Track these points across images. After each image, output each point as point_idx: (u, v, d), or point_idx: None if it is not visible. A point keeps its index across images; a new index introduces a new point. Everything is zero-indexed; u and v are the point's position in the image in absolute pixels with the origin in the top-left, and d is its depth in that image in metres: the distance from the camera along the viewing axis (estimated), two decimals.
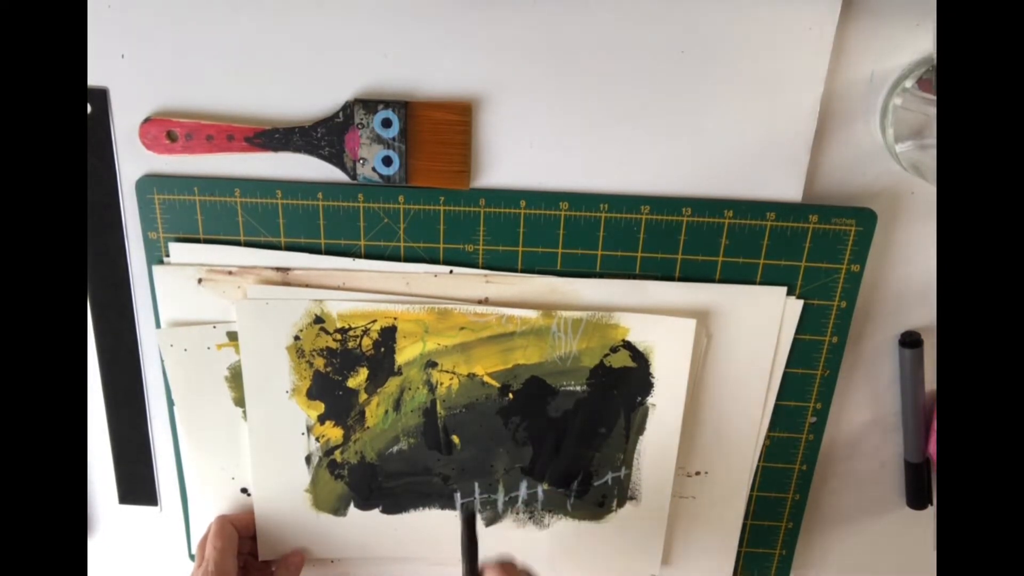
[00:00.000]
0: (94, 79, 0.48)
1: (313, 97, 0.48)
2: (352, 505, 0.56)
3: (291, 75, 0.47)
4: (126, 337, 0.54)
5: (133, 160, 0.49)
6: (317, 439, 0.54)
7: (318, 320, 0.51)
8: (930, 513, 0.57)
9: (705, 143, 0.48)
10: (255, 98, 0.48)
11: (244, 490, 0.56)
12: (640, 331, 0.51)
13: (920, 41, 0.46)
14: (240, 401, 0.54)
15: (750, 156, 0.48)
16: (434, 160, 0.48)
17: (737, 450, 0.55)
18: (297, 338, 0.52)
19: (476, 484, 0.56)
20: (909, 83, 0.45)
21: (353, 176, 0.49)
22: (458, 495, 0.56)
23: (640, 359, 0.52)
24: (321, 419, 0.54)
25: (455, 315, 0.51)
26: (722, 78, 0.46)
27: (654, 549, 0.57)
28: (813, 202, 0.49)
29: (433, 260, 0.51)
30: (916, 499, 0.56)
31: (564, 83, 0.47)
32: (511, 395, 0.53)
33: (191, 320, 0.52)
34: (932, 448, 0.54)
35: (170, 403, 0.54)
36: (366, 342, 0.52)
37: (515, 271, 0.51)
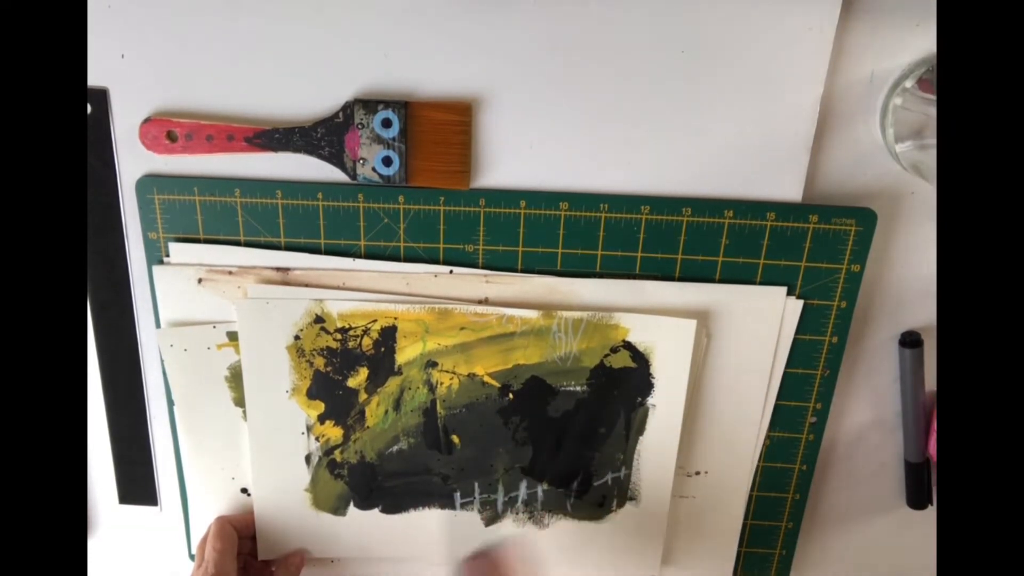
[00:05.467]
0: (94, 79, 0.48)
1: (313, 97, 0.48)
2: (352, 505, 0.56)
3: (291, 75, 0.47)
4: (126, 337, 0.54)
5: (133, 160, 0.49)
6: (317, 439, 0.54)
7: (318, 320, 0.51)
8: (930, 513, 0.57)
9: (705, 143, 0.48)
10: (255, 98, 0.48)
11: (244, 490, 0.56)
12: (640, 331, 0.51)
13: (920, 41, 0.46)
14: (240, 401, 0.54)
15: (750, 156, 0.48)
16: (434, 160, 0.48)
17: (737, 450, 0.55)
18: (297, 337, 0.52)
19: (476, 484, 0.56)
20: (909, 83, 0.45)
21: (353, 176, 0.49)
22: (458, 495, 0.56)
23: (640, 359, 0.52)
24: (321, 419, 0.54)
25: (455, 315, 0.51)
26: (722, 78, 0.46)
27: (654, 549, 0.57)
28: (813, 202, 0.49)
29: (433, 260, 0.51)
30: (916, 499, 0.56)
31: (564, 83, 0.47)
32: (511, 395, 0.53)
33: (191, 320, 0.52)
34: (932, 448, 0.54)
35: (170, 403, 0.54)
36: (366, 342, 0.52)
37: (515, 271, 0.51)
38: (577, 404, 0.53)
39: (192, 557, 0.59)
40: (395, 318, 0.51)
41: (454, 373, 0.53)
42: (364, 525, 0.57)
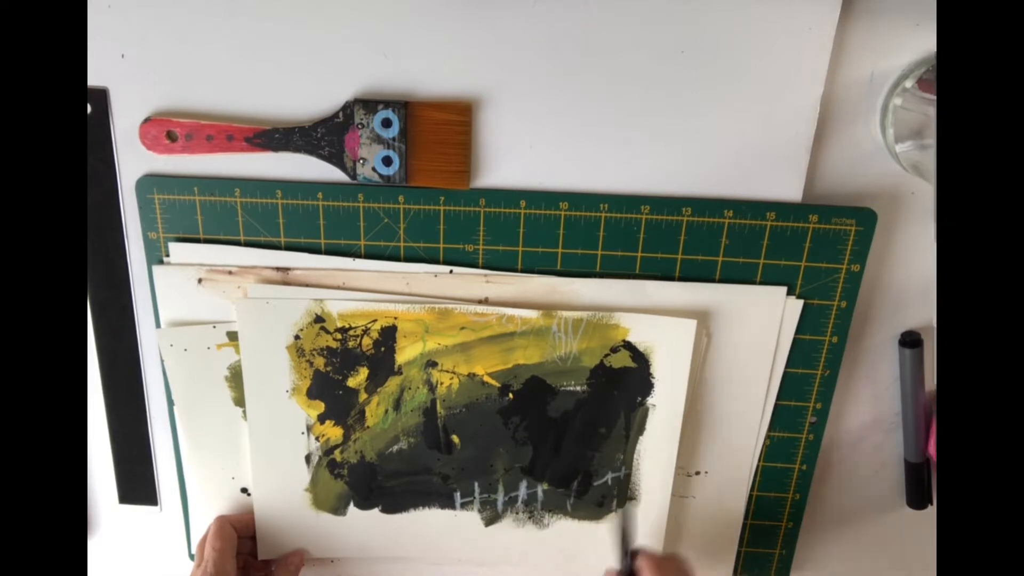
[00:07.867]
0: (94, 79, 0.48)
1: (313, 97, 0.48)
2: (352, 505, 0.56)
3: (291, 75, 0.47)
4: (126, 337, 0.54)
5: (133, 160, 0.49)
6: (317, 438, 0.54)
7: (318, 319, 0.51)
8: (930, 513, 0.57)
9: (705, 143, 0.48)
10: (255, 98, 0.48)
11: (244, 490, 0.56)
12: (640, 331, 0.51)
13: (920, 41, 0.46)
14: (240, 401, 0.54)
15: (750, 156, 0.48)
16: (434, 160, 0.48)
17: (737, 450, 0.55)
18: (297, 337, 0.52)
19: (476, 484, 0.56)
20: (909, 83, 0.45)
21: (353, 176, 0.49)
22: (458, 495, 0.56)
23: (640, 359, 0.52)
24: (321, 418, 0.54)
25: (455, 315, 0.51)
26: (722, 78, 0.46)
27: (654, 549, 0.57)
28: (813, 202, 0.49)
29: (433, 260, 0.51)
30: (916, 499, 0.56)
31: (564, 83, 0.47)
32: (511, 395, 0.53)
33: (191, 320, 0.52)
34: (932, 448, 0.54)
35: (170, 403, 0.54)
36: (366, 342, 0.52)
37: (515, 271, 0.51)
38: (577, 404, 0.53)
39: (192, 557, 0.59)
40: (395, 318, 0.51)
41: (454, 373, 0.53)
42: (364, 525, 0.57)
